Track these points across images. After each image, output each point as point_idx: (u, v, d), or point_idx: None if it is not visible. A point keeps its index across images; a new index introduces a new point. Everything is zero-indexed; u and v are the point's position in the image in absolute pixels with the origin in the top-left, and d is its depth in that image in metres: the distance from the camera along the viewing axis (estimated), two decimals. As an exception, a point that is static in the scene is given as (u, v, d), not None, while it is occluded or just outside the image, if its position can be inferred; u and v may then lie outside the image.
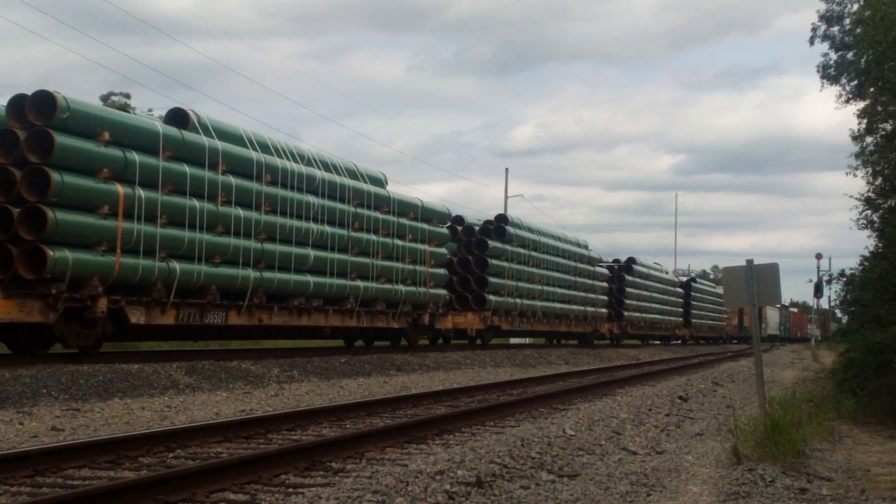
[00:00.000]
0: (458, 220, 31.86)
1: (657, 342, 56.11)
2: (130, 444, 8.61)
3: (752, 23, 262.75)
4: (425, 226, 27.16)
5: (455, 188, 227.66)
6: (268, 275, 19.92)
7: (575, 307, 39.19)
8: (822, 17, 19.90)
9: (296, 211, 20.95)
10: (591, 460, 8.78)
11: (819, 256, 64.74)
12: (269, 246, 20.05)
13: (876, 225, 19.14)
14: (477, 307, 30.77)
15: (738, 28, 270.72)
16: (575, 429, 10.56)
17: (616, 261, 48.83)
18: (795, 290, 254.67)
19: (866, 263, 18.88)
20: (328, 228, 22.17)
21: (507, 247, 32.75)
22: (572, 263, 39.42)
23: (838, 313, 49.76)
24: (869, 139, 19.99)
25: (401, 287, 25.28)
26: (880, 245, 18.28)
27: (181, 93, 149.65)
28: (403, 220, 25.97)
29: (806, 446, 8.96)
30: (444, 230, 28.82)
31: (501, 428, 11.18)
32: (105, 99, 42.87)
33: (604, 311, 43.43)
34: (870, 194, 19.26)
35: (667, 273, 58.13)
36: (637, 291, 48.48)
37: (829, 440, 10.38)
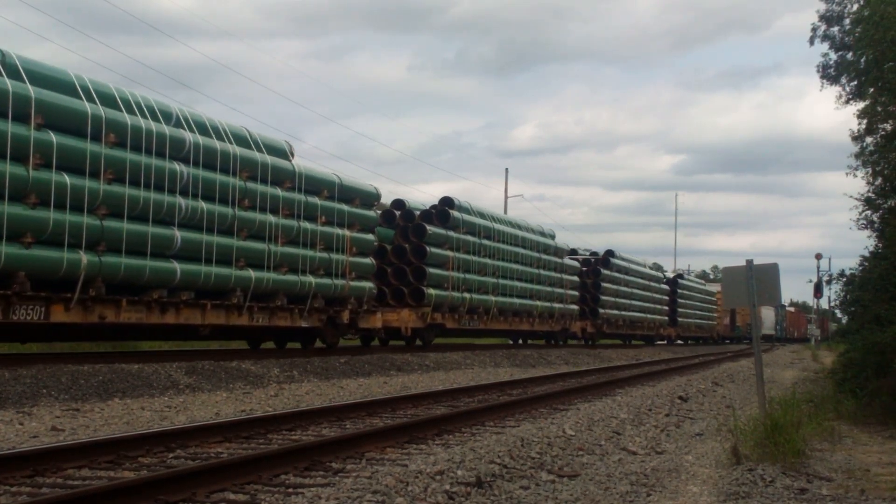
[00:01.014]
0: (399, 204, 28.68)
1: (641, 343, 53.62)
2: (130, 444, 8.61)
3: (754, 23, 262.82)
4: (345, 207, 23.06)
5: (455, 188, 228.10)
6: (110, 259, 15.90)
7: (539, 303, 35.21)
8: (822, 17, 19.89)
9: (154, 181, 16.76)
10: (591, 460, 8.79)
11: (819, 256, 64.77)
12: (111, 223, 15.94)
13: (876, 225, 19.13)
14: (414, 302, 27.00)
15: (740, 28, 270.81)
16: (575, 429, 10.57)
17: (593, 254, 45.59)
18: (795, 290, 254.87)
19: (866, 263, 18.89)
20: (204, 205, 17.99)
21: (452, 233, 28.87)
22: (535, 254, 35.56)
23: (838, 313, 49.72)
24: (869, 139, 19.98)
25: (310, 279, 21.29)
26: (880, 245, 18.28)
27: (182, 93, 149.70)
28: (314, 199, 21.77)
29: (806, 446, 8.97)
30: (372, 213, 24.84)
31: (501, 428, 11.18)
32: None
33: (574, 307, 39.76)
34: (870, 194, 19.25)
35: (650, 268, 54.52)
36: (615, 287, 44.68)
37: (829, 440, 10.38)
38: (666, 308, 55.18)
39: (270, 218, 20.09)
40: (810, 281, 65.55)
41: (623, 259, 47.48)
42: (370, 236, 24.57)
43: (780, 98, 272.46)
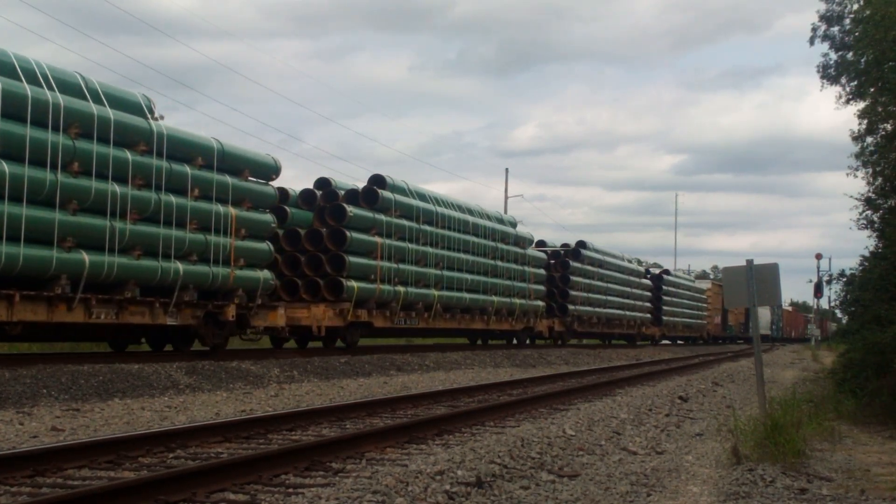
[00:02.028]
0: (323, 182, 24.74)
1: (623, 342, 49.83)
2: (130, 444, 8.62)
3: (755, 23, 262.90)
4: (228, 179, 19.04)
5: (456, 188, 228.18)
6: None
7: (496, 298, 31.35)
8: (822, 17, 19.89)
9: None
10: (591, 460, 8.79)
11: (819, 256, 64.61)
12: None
13: (876, 225, 19.12)
14: (332, 296, 23.18)
15: (741, 28, 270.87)
16: (575, 429, 10.57)
17: (564, 245, 41.43)
18: (795, 290, 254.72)
19: (866, 263, 18.87)
20: (7, 167, 14.24)
21: (382, 217, 25.00)
22: (491, 244, 31.55)
23: (838, 313, 49.69)
24: (869, 139, 19.98)
25: (176, 265, 17.42)
26: (880, 245, 18.26)
27: (182, 93, 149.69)
28: (182, 168, 17.77)
29: (806, 446, 8.97)
30: (269, 188, 20.88)
31: (501, 428, 11.18)
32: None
33: (540, 303, 35.73)
34: (870, 194, 19.25)
35: (630, 262, 50.09)
36: (588, 281, 40.71)
37: (829, 440, 10.38)
38: (649, 305, 51.37)
39: (115, 187, 16.14)
40: (810, 281, 65.61)
41: (597, 251, 43.59)
42: (266, 216, 20.68)
43: (780, 98, 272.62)
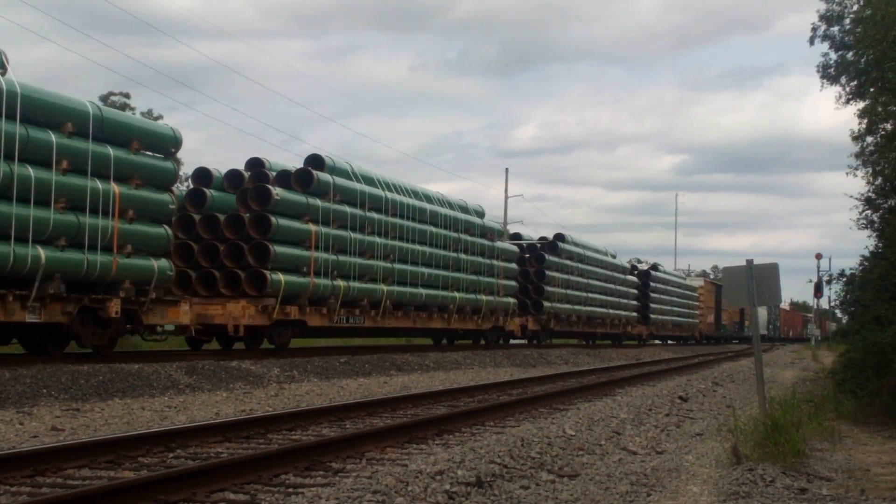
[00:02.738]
0: (255, 163, 22.16)
1: (608, 342, 47.01)
2: (130, 444, 8.62)
3: (756, 23, 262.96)
4: (109, 150, 16.18)
5: (456, 188, 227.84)
6: None
7: (458, 294, 28.87)
8: (822, 17, 19.89)
9: None
10: (591, 460, 8.79)
11: (819, 256, 64.58)
12: None
13: (876, 225, 19.14)
14: (255, 291, 20.46)
15: (742, 28, 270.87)
16: (575, 429, 10.57)
17: (542, 238, 39.39)
18: (795, 290, 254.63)
19: (866, 263, 18.87)
20: None
21: (318, 202, 22.29)
22: (453, 234, 29.11)
23: (838, 313, 49.66)
24: (869, 139, 19.98)
25: (36, 251, 14.60)
26: (880, 245, 18.26)
27: (182, 93, 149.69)
28: (43, 135, 14.94)
29: (806, 446, 8.97)
30: (167, 164, 18.00)
31: (501, 428, 11.18)
32: (105, 99, 42.99)
33: (511, 300, 33.41)
34: (870, 194, 19.26)
35: (614, 258, 47.48)
36: (566, 277, 38.49)
37: (829, 440, 10.39)
38: (636, 303, 48.90)
39: None
40: (810, 281, 65.39)
41: (577, 244, 41.27)
42: (165, 197, 17.74)
43: (782, 98, 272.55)
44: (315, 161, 23.43)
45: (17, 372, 13.62)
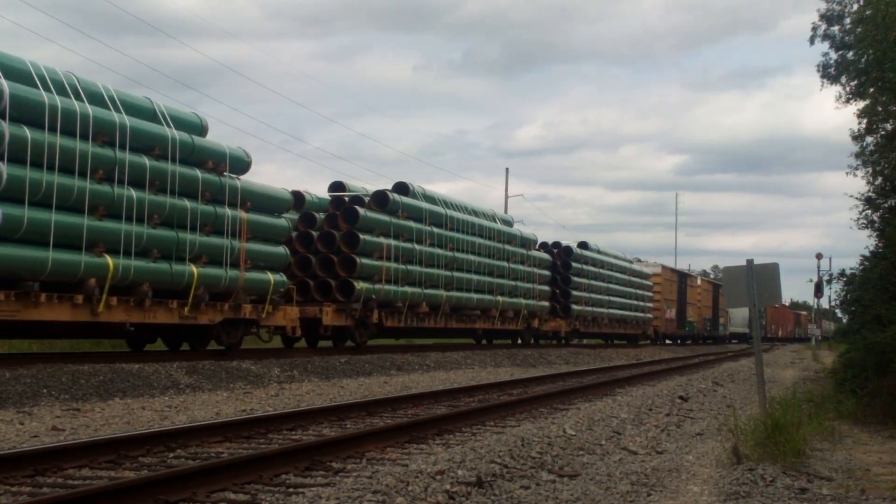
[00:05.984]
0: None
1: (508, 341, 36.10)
2: (131, 444, 8.62)
3: (760, 23, 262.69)
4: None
5: (458, 188, 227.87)
6: None
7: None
8: (823, 17, 19.88)
9: None
10: (592, 460, 8.79)
11: (819, 256, 64.64)
12: None
13: (876, 224, 19.11)
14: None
15: (746, 28, 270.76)
16: (575, 429, 10.56)
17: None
18: (796, 289, 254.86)
19: (866, 263, 18.86)
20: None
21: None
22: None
23: (838, 313, 49.61)
24: (869, 139, 19.97)
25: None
26: (880, 245, 18.25)
27: (186, 94, 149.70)
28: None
29: (806, 446, 8.97)
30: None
31: (502, 428, 11.18)
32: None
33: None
34: (870, 194, 19.24)
35: (509, 225, 35.35)
36: (410, 246, 26.62)
37: (830, 440, 10.39)
38: (547, 289, 37.16)
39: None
40: (811, 280, 65.37)
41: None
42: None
43: (784, 98, 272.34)
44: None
45: (17, 372, 13.63)
